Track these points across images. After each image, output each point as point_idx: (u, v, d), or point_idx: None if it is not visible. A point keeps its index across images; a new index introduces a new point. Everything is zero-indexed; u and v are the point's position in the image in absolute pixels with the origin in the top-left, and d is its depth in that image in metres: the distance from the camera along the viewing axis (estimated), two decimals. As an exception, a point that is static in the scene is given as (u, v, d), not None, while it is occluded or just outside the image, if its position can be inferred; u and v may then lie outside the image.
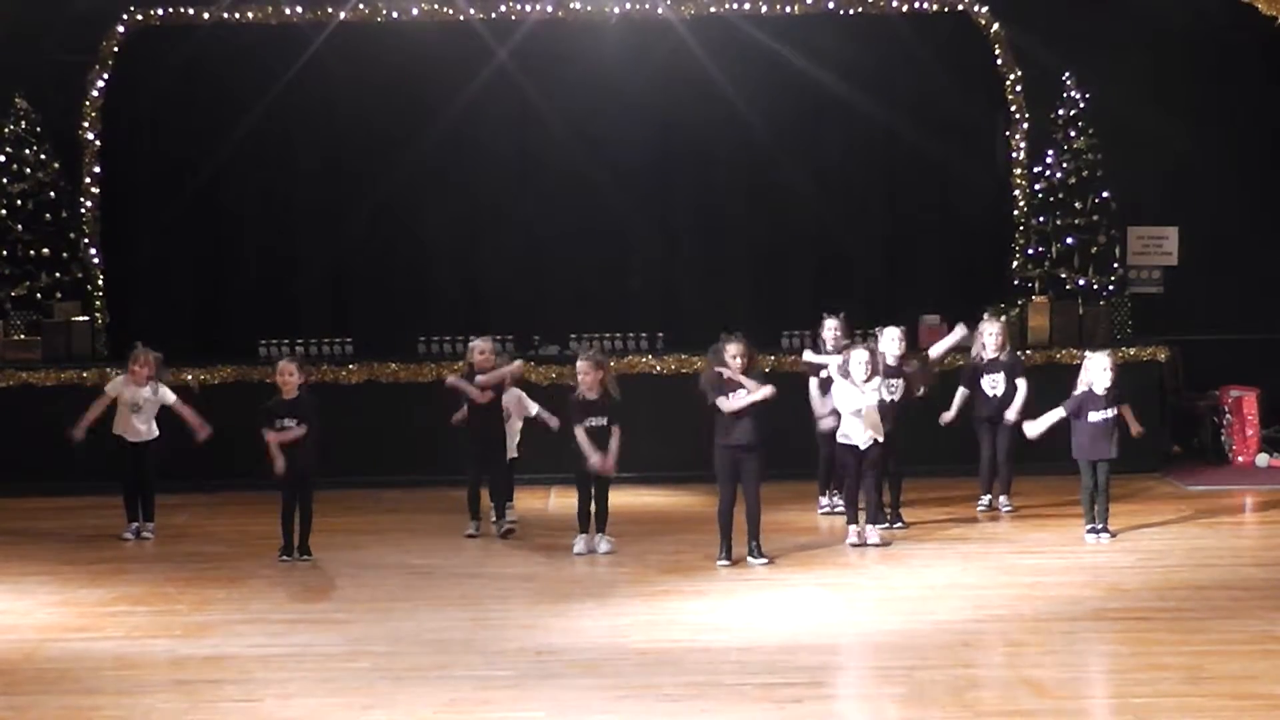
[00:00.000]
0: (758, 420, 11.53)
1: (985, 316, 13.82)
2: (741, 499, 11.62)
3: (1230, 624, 9.82)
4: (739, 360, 11.51)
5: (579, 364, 12.08)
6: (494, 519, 12.89)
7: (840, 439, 12.25)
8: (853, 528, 12.24)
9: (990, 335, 13.53)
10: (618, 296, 16.57)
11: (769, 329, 15.40)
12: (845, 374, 12.12)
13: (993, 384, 13.42)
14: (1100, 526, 12.28)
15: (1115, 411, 12.19)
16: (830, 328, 13.40)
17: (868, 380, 12.07)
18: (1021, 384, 13.31)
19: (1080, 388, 12.30)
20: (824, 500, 13.54)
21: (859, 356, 12.09)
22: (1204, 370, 16.16)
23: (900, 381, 12.83)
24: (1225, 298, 16.48)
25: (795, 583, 11.11)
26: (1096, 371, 12.19)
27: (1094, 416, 12.15)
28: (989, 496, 13.54)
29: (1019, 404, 13.19)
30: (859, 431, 12.11)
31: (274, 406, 12.09)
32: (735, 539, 11.64)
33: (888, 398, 12.47)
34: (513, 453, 13.16)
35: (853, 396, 12.10)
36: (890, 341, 12.97)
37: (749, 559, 11.58)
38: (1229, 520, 13.32)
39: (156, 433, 12.95)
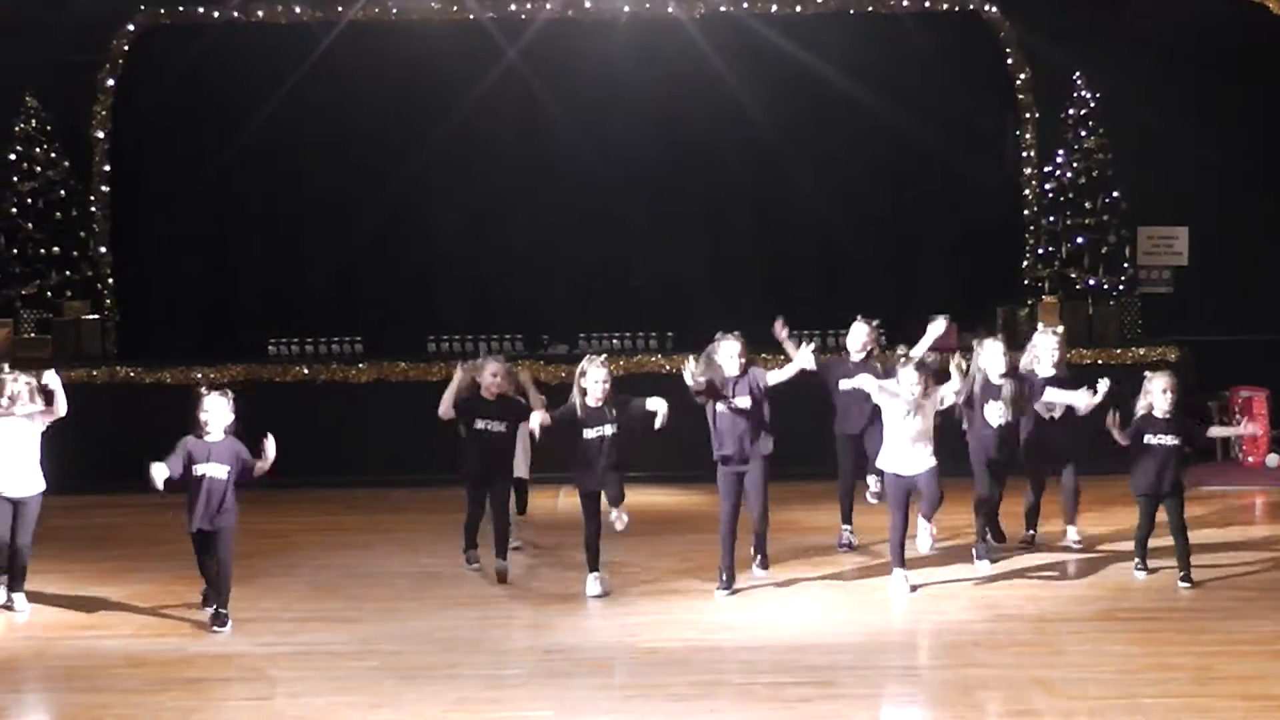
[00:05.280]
0: (754, 427, 10.80)
1: (1040, 328, 12.39)
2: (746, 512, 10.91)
3: (1239, 624, 9.82)
4: (737, 359, 10.89)
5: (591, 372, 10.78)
6: (495, 553, 11.40)
7: (885, 468, 10.94)
8: (899, 572, 10.83)
9: (1049, 350, 11.71)
10: (626, 295, 16.58)
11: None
12: (893, 393, 10.78)
13: (1048, 406, 11.70)
14: (1182, 574, 10.88)
15: (1177, 440, 10.92)
16: (860, 333, 11.86)
17: (926, 395, 10.67)
18: (1082, 395, 11.43)
19: (1139, 410, 11.01)
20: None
21: (909, 376, 10.69)
22: (1214, 370, 16.12)
23: (1013, 398, 11.32)
24: (1235, 298, 16.47)
25: (803, 582, 11.09)
26: (1156, 394, 11.01)
27: (1152, 441, 10.92)
28: (1071, 527, 12.09)
29: (1110, 411, 11.03)
30: (905, 458, 10.78)
31: (194, 446, 9.95)
32: (738, 564, 10.93)
33: (1003, 418, 11.25)
34: (523, 472, 12.39)
35: (904, 418, 10.73)
36: (994, 357, 11.36)
37: (753, 569, 11.11)
38: (1238, 521, 13.28)
39: (42, 484, 10.54)
